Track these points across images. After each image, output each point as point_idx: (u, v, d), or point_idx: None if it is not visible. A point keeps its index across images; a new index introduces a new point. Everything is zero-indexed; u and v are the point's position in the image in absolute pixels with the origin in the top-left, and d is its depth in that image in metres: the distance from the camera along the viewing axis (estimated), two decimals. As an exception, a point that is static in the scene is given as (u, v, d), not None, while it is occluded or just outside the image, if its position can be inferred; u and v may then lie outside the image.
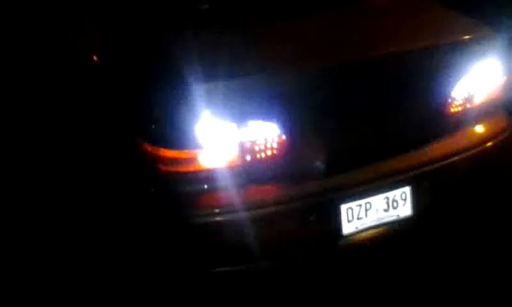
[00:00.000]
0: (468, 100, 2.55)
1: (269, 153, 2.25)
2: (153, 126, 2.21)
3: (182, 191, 2.23)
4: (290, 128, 2.26)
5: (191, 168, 2.21)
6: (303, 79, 2.28)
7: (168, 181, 2.24)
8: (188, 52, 2.27)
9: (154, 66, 2.31)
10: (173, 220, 2.28)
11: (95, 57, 2.62)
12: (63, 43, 2.90)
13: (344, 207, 2.35)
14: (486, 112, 2.63)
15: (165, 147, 2.18)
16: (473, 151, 2.54)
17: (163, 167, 2.22)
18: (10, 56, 3.65)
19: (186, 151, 2.18)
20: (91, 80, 2.68)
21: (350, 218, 2.38)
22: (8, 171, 3.34)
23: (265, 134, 2.23)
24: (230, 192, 2.24)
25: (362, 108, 2.38)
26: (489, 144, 2.58)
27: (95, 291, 2.56)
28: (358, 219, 2.40)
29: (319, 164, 2.34)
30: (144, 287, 2.53)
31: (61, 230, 2.88)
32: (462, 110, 2.56)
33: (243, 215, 2.24)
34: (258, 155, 2.24)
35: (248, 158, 2.23)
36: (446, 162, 2.50)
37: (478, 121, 2.61)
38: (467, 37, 2.54)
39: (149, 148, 2.22)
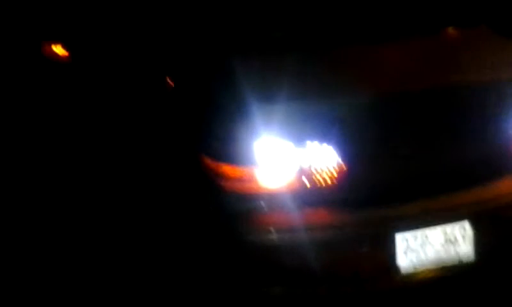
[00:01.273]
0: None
1: (326, 177, 2.27)
2: (216, 142, 2.30)
3: (240, 208, 2.29)
4: (349, 154, 2.28)
5: (249, 186, 2.26)
6: (365, 107, 2.31)
7: (228, 197, 2.30)
8: (254, 75, 2.36)
9: (221, 87, 2.42)
10: (230, 237, 2.33)
11: (168, 79, 2.77)
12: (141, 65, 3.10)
13: (400, 238, 2.32)
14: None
15: (226, 162, 2.26)
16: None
17: (223, 183, 2.29)
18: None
19: (244, 167, 2.24)
20: (165, 100, 2.83)
21: (407, 249, 2.35)
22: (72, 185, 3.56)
23: (324, 159, 2.26)
24: (286, 214, 2.27)
25: (424, 139, 2.37)
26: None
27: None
28: (415, 251, 2.36)
29: (376, 192, 2.34)
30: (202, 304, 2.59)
31: (124, 241, 3.01)
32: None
33: (298, 237, 2.26)
34: (315, 179, 2.27)
35: (306, 181, 2.26)
36: (508, 201, 2.43)
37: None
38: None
39: (211, 163, 2.31)
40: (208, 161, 2.32)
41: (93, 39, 3.84)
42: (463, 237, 2.38)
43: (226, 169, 2.27)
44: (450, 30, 2.83)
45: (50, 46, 4.00)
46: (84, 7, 3.98)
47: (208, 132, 2.34)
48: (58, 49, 4.42)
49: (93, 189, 3.47)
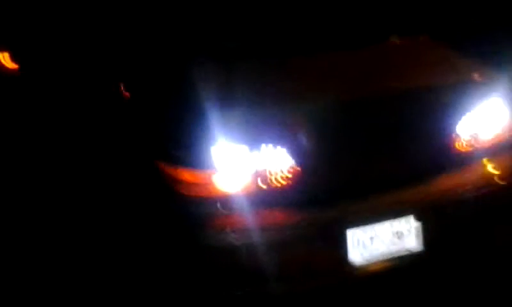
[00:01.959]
0: (475, 138, 2.66)
1: (280, 179, 2.37)
2: (172, 147, 2.35)
3: (197, 212, 2.34)
4: (302, 156, 2.38)
5: (206, 190, 2.33)
6: (316, 111, 2.42)
7: (185, 201, 2.35)
8: (211, 81, 2.43)
9: (178, 94, 2.48)
10: (185, 242, 2.39)
11: (124, 86, 2.80)
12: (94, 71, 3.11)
13: (350, 234, 2.44)
14: (495, 152, 2.73)
15: (183, 167, 2.31)
16: (479, 188, 2.63)
17: (180, 188, 2.35)
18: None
19: (202, 172, 2.30)
20: (121, 107, 2.86)
21: (357, 245, 2.47)
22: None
23: (278, 162, 2.35)
24: (241, 216, 2.35)
25: (372, 140, 2.50)
26: (496, 183, 2.66)
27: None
28: (365, 247, 2.49)
29: (328, 192, 2.45)
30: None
31: (79, 248, 3.00)
32: (469, 148, 2.66)
33: (255, 238, 2.34)
34: (270, 181, 2.36)
35: (261, 183, 2.35)
36: (452, 195, 2.59)
37: (487, 159, 2.71)
38: (471, 78, 2.68)
39: (167, 168, 2.36)
40: (165, 166, 2.37)
41: (42, 48, 3.80)
42: (409, 231, 2.53)
43: (184, 173, 2.32)
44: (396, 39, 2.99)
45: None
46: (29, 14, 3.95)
47: (165, 138, 2.39)
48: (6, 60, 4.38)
49: (50, 200, 3.45)
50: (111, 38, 2.91)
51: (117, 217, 2.81)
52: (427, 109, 2.59)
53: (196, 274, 2.42)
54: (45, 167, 3.67)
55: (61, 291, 2.83)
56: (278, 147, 2.34)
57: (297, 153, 2.36)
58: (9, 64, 4.35)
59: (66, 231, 3.19)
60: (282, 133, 2.34)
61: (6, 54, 4.36)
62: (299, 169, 2.38)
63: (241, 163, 2.32)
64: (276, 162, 2.35)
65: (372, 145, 2.51)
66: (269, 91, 2.42)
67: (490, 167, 2.69)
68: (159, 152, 2.41)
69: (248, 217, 2.35)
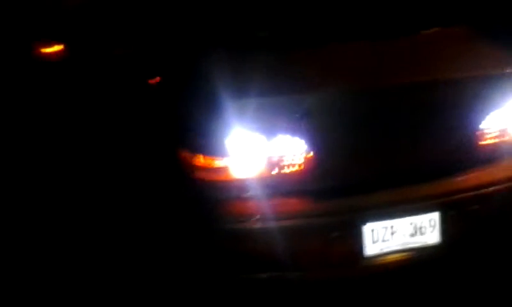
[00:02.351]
0: (504, 133, 2.57)
1: (296, 168, 2.38)
2: (189, 135, 2.40)
3: (213, 198, 2.39)
4: (319, 146, 2.37)
5: (222, 176, 2.37)
6: (334, 100, 2.40)
7: (201, 187, 2.40)
8: (227, 71, 2.46)
9: (196, 83, 2.52)
10: (203, 225, 2.44)
11: (148, 77, 2.89)
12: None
13: (367, 228, 2.42)
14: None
15: (201, 154, 2.36)
16: (507, 185, 2.54)
17: (198, 174, 2.40)
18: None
19: (218, 159, 2.34)
20: (145, 97, 2.94)
21: (375, 239, 2.44)
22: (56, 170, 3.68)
23: (294, 150, 2.36)
24: (257, 202, 2.38)
25: (394, 132, 2.45)
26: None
27: (128, 294, 2.73)
28: (383, 241, 2.46)
29: (345, 182, 2.44)
30: (177, 290, 2.69)
31: (100, 232, 3.13)
32: (497, 143, 2.57)
33: (269, 225, 2.37)
34: (285, 169, 2.37)
35: (276, 171, 2.37)
36: (477, 192, 2.51)
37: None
38: (502, 70, 2.57)
39: (186, 155, 2.41)
40: (185, 153, 2.42)
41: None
42: (431, 228, 2.47)
43: (202, 160, 2.37)
44: (425, 29, 2.90)
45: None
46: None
47: (185, 126, 2.44)
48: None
49: (74, 180, 3.59)
50: (139, 30, 2.99)
51: (141, 200, 2.90)
52: (454, 101, 2.50)
53: (212, 257, 2.46)
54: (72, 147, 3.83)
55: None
56: (294, 136, 2.34)
57: (313, 142, 2.36)
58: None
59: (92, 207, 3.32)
60: (299, 122, 2.34)
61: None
62: (315, 158, 2.38)
63: (256, 150, 2.34)
64: (292, 150, 2.36)
65: (393, 137, 2.46)
66: (286, 79, 2.42)
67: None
68: (178, 140, 2.47)
69: (263, 204, 2.38)
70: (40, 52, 4.04)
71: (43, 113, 4.07)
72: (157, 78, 2.77)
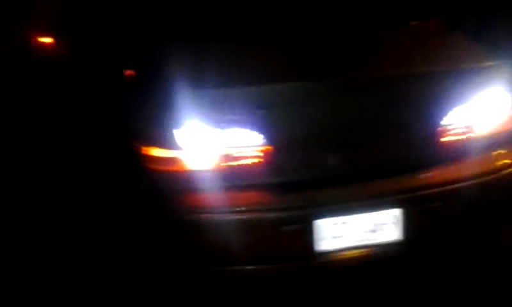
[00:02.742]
0: (469, 130, 2.50)
1: (251, 161, 2.35)
2: (143, 127, 2.39)
3: (167, 189, 2.38)
4: (274, 139, 2.34)
5: (175, 168, 2.35)
6: (291, 93, 2.35)
7: (155, 178, 2.40)
8: (180, 61, 2.44)
9: (149, 74, 2.51)
10: (157, 217, 2.43)
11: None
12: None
13: (322, 223, 2.37)
14: (493, 145, 2.55)
15: (154, 145, 2.35)
16: (470, 182, 2.47)
17: (152, 165, 2.39)
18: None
19: (172, 150, 2.33)
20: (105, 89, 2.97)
21: (330, 235, 2.40)
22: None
23: (248, 143, 2.33)
24: (210, 195, 2.36)
25: (353, 127, 2.40)
26: (488, 178, 2.49)
27: (84, 287, 2.72)
28: (339, 237, 2.41)
29: (301, 177, 2.40)
30: (131, 281, 2.69)
31: (53, 225, 3.13)
32: (462, 140, 2.50)
33: (222, 218, 2.35)
34: (240, 162, 2.34)
35: (230, 163, 2.34)
36: (441, 189, 2.45)
37: (483, 152, 2.54)
38: (470, 64, 2.50)
39: (140, 146, 2.40)
40: (139, 144, 2.41)
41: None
42: (392, 224, 2.42)
43: (155, 151, 2.36)
44: (392, 23, 2.85)
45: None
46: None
47: (139, 117, 2.43)
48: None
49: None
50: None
51: (99, 191, 2.92)
52: (418, 97, 2.44)
53: (164, 248, 2.46)
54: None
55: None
56: (249, 129, 2.31)
57: (268, 135, 2.32)
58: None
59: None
60: (253, 115, 2.30)
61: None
62: (269, 152, 2.34)
63: (210, 142, 2.32)
64: (246, 143, 2.33)
65: (353, 132, 2.41)
66: (241, 71, 2.39)
67: (485, 161, 2.51)
68: (132, 130, 2.46)
69: (217, 196, 2.36)
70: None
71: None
72: (116, 71, 2.77)
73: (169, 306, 2.61)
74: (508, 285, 2.63)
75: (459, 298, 2.58)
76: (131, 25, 2.78)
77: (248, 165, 2.36)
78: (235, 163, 2.35)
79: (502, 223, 2.73)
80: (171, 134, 2.30)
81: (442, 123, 2.46)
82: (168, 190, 2.38)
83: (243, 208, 2.35)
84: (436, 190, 2.45)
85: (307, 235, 2.36)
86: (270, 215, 2.34)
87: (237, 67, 2.39)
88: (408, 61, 2.54)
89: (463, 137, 2.49)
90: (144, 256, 2.54)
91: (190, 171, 2.35)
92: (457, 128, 2.48)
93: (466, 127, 2.49)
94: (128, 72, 2.72)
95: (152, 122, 2.36)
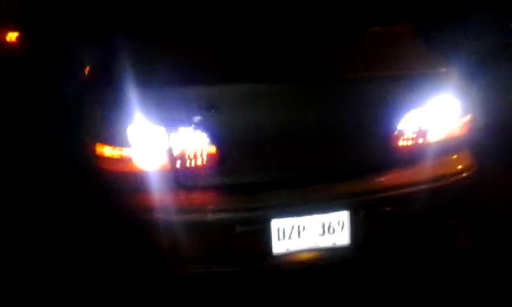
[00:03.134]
0: (422, 135, 2.52)
1: (199, 161, 2.34)
2: (93, 124, 2.37)
3: (116, 188, 2.36)
4: (224, 140, 2.33)
5: (124, 167, 2.32)
6: (240, 95, 2.35)
7: (105, 177, 2.37)
8: (130, 60, 2.41)
9: (99, 71, 2.50)
10: (107, 217, 2.41)
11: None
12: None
13: (274, 225, 2.38)
14: (443, 151, 2.58)
15: (103, 143, 2.33)
16: (420, 187, 2.49)
17: (101, 164, 2.37)
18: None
19: (120, 149, 2.30)
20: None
21: (281, 237, 2.40)
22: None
23: (197, 144, 2.32)
24: (162, 195, 2.34)
25: (305, 129, 2.41)
26: (438, 183, 2.52)
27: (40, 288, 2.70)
28: (290, 239, 2.42)
29: (251, 179, 2.40)
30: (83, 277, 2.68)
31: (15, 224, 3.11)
32: (414, 144, 2.53)
33: (173, 219, 2.33)
34: (188, 162, 2.34)
35: (179, 164, 2.34)
36: (389, 194, 2.47)
37: (434, 157, 2.56)
38: (422, 71, 2.54)
39: (91, 144, 2.38)
40: (90, 142, 2.39)
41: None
42: (340, 228, 2.43)
43: (104, 150, 2.34)
44: (350, 28, 2.86)
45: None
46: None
47: (89, 115, 2.42)
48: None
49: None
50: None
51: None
52: (371, 101, 2.47)
53: (115, 249, 2.44)
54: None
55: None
56: (199, 129, 2.30)
57: (218, 136, 2.32)
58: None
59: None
60: (204, 115, 2.29)
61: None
62: (221, 152, 2.34)
63: (159, 142, 2.30)
64: (196, 144, 2.32)
65: (305, 135, 2.42)
66: (191, 71, 2.38)
67: (435, 167, 2.54)
68: (85, 129, 2.44)
69: (167, 197, 2.34)
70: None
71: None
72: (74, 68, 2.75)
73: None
74: (462, 289, 2.67)
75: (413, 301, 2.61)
76: (86, 22, 2.75)
77: (199, 166, 2.35)
78: (186, 163, 2.35)
79: (455, 228, 2.78)
80: (121, 133, 2.28)
81: (394, 128, 2.49)
82: (120, 189, 2.37)
83: (196, 209, 2.35)
84: (385, 194, 2.47)
85: (261, 236, 2.36)
86: (224, 216, 2.34)
87: (189, 66, 2.38)
88: (364, 65, 2.56)
89: (415, 142, 2.52)
90: (99, 257, 2.52)
91: (141, 171, 2.33)
92: (408, 133, 2.51)
93: (417, 132, 2.51)
94: (85, 69, 2.71)
95: (102, 120, 2.34)
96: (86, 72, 2.66)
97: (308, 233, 2.42)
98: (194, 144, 2.32)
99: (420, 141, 2.52)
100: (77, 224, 2.67)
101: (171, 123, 2.29)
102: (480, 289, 2.66)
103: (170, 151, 2.31)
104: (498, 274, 2.77)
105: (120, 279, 2.54)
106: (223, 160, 2.35)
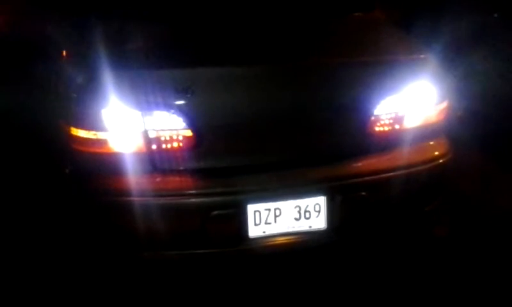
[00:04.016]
0: (398, 121, 2.53)
1: (175, 144, 2.33)
2: (68, 107, 2.34)
3: (91, 170, 2.34)
4: (199, 124, 2.31)
5: (99, 149, 2.30)
6: (216, 78, 2.32)
7: (79, 159, 2.35)
8: (107, 42, 2.39)
9: (77, 53, 2.46)
10: (82, 199, 2.39)
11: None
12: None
13: (250, 209, 2.38)
14: (419, 137, 2.59)
15: (76, 126, 2.30)
16: (396, 173, 2.51)
17: (76, 146, 2.34)
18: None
19: (94, 131, 2.28)
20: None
21: (257, 221, 2.41)
22: None
23: (173, 126, 2.31)
24: (136, 178, 2.33)
25: (281, 114, 2.40)
26: (415, 169, 2.54)
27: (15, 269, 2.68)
28: (267, 223, 2.42)
29: (227, 162, 2.39)
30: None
31: None
32: (391, 130, 2.53)
33: (148, 201, 2.32)
34: (164, 146, 2.32)
35: (154, 147, 2.32)
36: (365, 179, 2.48)
37: (410, 144, 2.57)
38: (399, 56, 2.54)
39: (65, 126, 2.35)
40: (64, 124, 2.36)
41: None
42: (316, 212, 2.44)
43: (78, 132, 2.31)
44: (330, 13, 2.86)
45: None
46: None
47: (65, 97, 2.39)
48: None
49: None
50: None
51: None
52: (348, 86, 2.46)
53: (88, 231, 2.43)
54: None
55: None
56: (175, 112, 2.28)
57: (194, 119, 2.30)
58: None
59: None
60: (179, 98, 2.27)
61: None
62: (196, 136, 2.32)
63: (133, 124, 2.28)
64: (169, 126, 2.30)
65: (281, 119, 2.41)
66: (166, 53, 2.36)
67: (411, 153, 2.56)
68: (59, 111, 2.41)
69: (142, 180, 2.33)
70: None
71: None
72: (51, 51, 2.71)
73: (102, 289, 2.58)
74: (439, 276, 2.70)
75: (390, 287, 2.64)
76: (61, 4, 2.70)
77: (175, 149, 2.34)
78: (162, 146, 2.33)
79: (431, 215, 2.80)
80: (95, 115, 2.26)
81: (371, 113, 2.49)
82: (95, 171, 2.35)
83: (172, 192, 2.34)
84: (361, 179, 2.49)
85: (237, 220, 2.37)
86: (199, 199, 2.33)
87: (165, 49, 2.36)
88: (341, 50, 2.56)
89: (391, 128, 2.53)
90: (72, 239, 2.50)
91: (116, 153, 2.32)
92: (385, 118, 2.51)
93: (394, 118, 2.52)
94: (62, 52, 2.67)
95: (76, 102, 2.31)
96: (62, 55, 2.61)
97: (284, 217, 2.43)
98: (170, 127, 2.31)
99: (397, 126, 2.53)
100: (52, 205, 2.63)
101: (147, 106, 2.27)
102: (456, 274, 2.70)
103: (146, 134, 2.30)
104: (472, 259, 2.81)
105: (95, 261, 2.52)
106: (198, 143, 2.34)
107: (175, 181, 2.36)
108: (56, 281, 2.61)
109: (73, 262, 2.60)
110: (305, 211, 2.44)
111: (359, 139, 2.51)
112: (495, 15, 3.81)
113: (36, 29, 3.63)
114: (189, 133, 2.32)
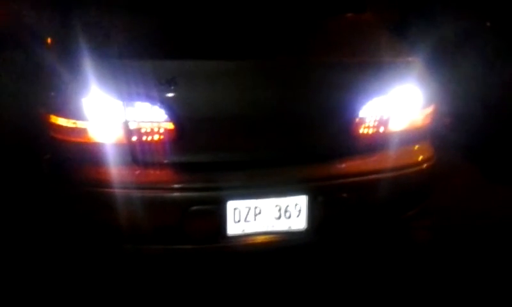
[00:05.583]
0: (383, 123, 2.51)
1: (156, 137, 2.29)
2: (48, 95, 2.30)
3: (68, 160, 2.31)
4: (181, 117, 2.28)
5: (78, 139, 2.27)
6: (199, 70, 2.29)
7: (58, 148, 2.32)
8: (87, 32, 2.35)
9: (57, 41, 2.42)
10: (59, 189, 2.35)
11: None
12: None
13: (229, 206, 2.35)
14: (404, 140, 2.57)
15: (57, 114, 2.26)
16: (378, 176, 2.49)
17: (55, 135, 2.31)
18: None
19: (74, 120, 2.25)
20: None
21: (237, 219, 2.38)
22: None
23: (153, 118, 2.27)
24: (115, 169, 2.29)
25: (265, 111, 2.37)
26: (397, 173, 2.52)
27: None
28: (246, 221, 2.39)
29: (208, 158, 2.36)
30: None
31: None
32: (376, 132, 2.51)
33: (125, 194, 2.28)
34: (144, 137, 2.29)
35: (134, 138, 2.28)
36: (347, 180, 2.46)
37: (394, 147, 2.55)
38: (386, 59, 2.52)
39: (46, 114, 2.31)
40: (45, 113, 2.32)
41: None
42: (297, 212, 2.42)
43: (59, 120, 2.27)
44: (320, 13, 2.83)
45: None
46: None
47: (45, 85, 2.35)
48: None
49: None
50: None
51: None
52: (334, 86, 2.44)
53: (65, 221, 2.39)
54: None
55: None
56: (153, 103, 2.25)
57: (175, 112, 2.26)
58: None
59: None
60: (161, 90, 2.24)
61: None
62: (177, 129, 2.29)
63: (114, 115, 2.25)
64: (150, 117, 2.27)
65: (264, 117, 2.38)
66: (150, 44, 2.33)
67: (395, 156, 2.54)
68: (40, 99, 2.37)
69: (122, 171, 2.29)
70: None
71: None
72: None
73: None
74: (419, 280, 2.68)
75: (368, 289, 2.62)
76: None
77: (156, 141, 2.30)
78: (142, 138, 2.29)
79: (413, 219, 2.78)
80: (76, 104, 2.23)
81: (356, 114, 2.47)
82: (72, 161, 2.31)
83: (151, 185, 2.30)
84: (343, 181, 2.46)
85: (217, 217, 2.33)
86: (179, 194, 2.30)
87: (148, 40, 2.33)
88: (328, 49, 2.54)
89: (376, 130, 2.51)
90: (51, 229, 2.46)
91: (95, 143, 2.28)
92: (370, 120, 2.50)
93: (379, 121, 2.50)
94: (43, 40, 2.63)
95: (57, 91, 2.27)
96: (42, 44, 2.58)
97: (265, 215, 2.40)
98: (152, 119, 2.28)
99: (381, 129, 2.51)
100: (30, 195, 2.59)
101: (129, 96, 2.23)
102: (434, 278, 2.69)
103: (126, 124, 2.26)
104: (454, 262, 2.81)
105: (74, 252, 2.49)
106: (180, 137, 2.31)
107: (154, 174, 2.32)
108: (37, 271, 2.57)
109: (54, 253, 2.56)
110: (285, 210, 2.41)
111: (343, 140, 2.49)
112: (488, 24, 3.83)
113: (12, 18, 3.61)
114: (170, 126, 2.29)
